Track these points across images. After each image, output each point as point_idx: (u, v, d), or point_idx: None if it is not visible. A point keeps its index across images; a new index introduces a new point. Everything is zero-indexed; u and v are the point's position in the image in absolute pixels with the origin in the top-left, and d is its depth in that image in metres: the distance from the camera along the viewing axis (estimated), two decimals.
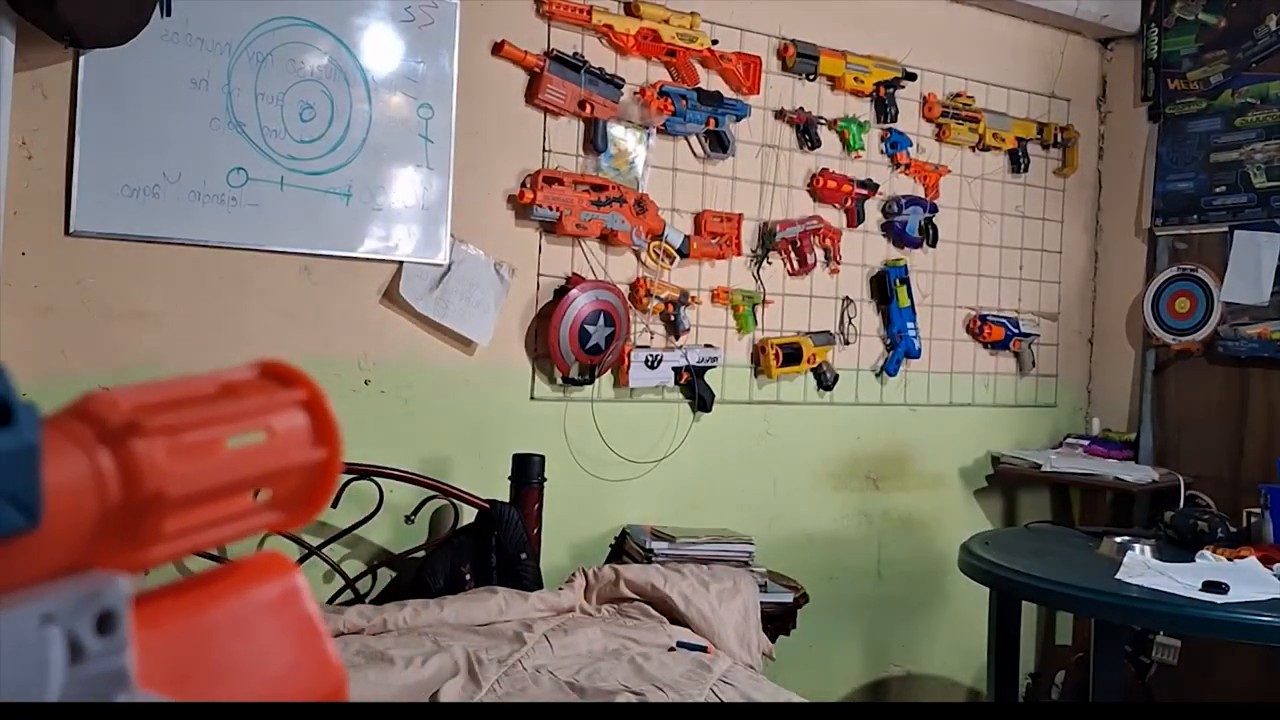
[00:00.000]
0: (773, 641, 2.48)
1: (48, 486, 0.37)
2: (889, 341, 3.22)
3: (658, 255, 2.77)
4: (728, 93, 2.89)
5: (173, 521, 0.42)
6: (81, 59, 2.11)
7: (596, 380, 2.70)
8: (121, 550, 0.41)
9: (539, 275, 2.65)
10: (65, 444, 0.39)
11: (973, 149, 3.39)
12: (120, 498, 0.40)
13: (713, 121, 2.83)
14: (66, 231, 2.12)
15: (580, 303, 2.61)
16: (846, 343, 3.15)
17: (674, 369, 2.80)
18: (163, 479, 0.41)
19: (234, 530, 0.46)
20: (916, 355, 3.24)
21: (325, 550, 2.35)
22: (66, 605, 0.40)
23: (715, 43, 2.82)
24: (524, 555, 2.40)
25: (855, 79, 3.08)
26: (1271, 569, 2.26)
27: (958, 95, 3.33)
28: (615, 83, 2.69)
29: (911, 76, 3.19)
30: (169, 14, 2.14)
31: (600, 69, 2.67)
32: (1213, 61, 3.36)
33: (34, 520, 0.37)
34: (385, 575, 2.45)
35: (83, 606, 0.40)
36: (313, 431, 0.48)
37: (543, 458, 2.52)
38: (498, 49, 2.57)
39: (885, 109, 3.15)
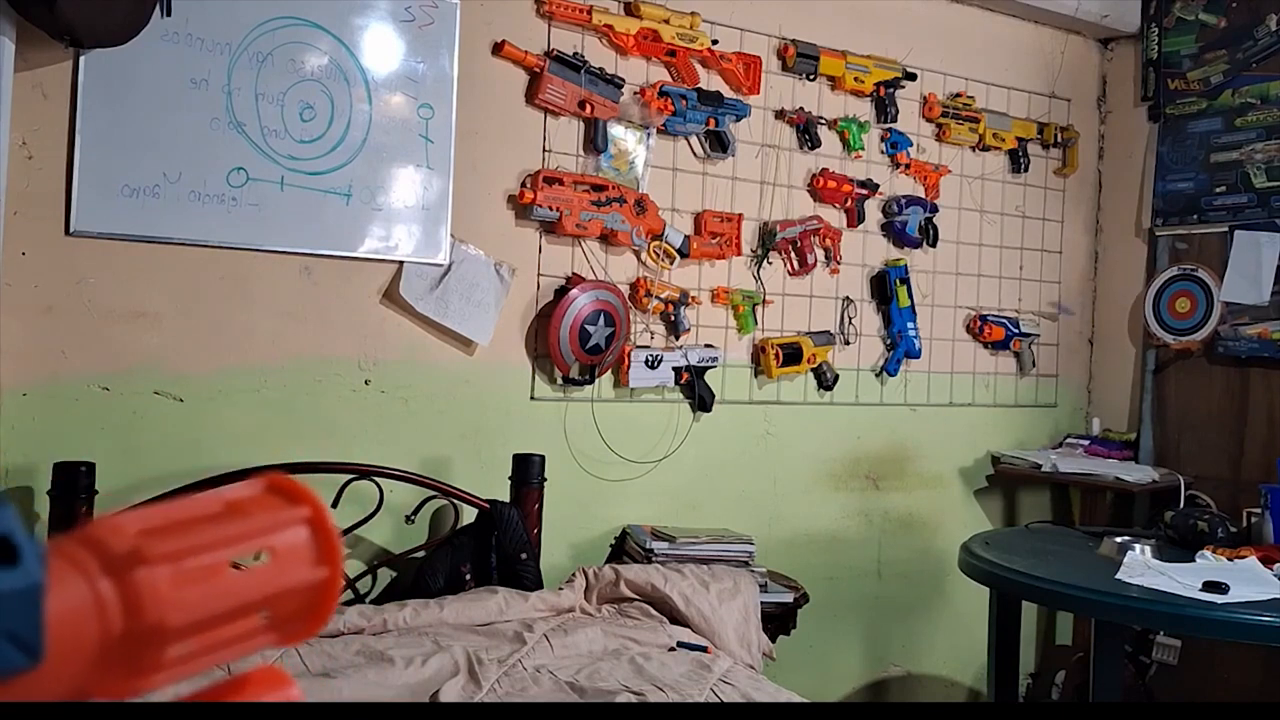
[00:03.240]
0: (773, 641, 2.48)
1: (50, 619, 0.37)
2: (889, 341, 3.22)
3: (658, 255, 2.77)
4: (728, 93, 2.89)
5: (175, 648, 0.41)
6: (81, 59, 2.11)
7: (597, 380, 2.70)
8: (123, 678, 0.41)
9: (539, 275, 2.65)
10: (69, 574, 0.39)
11: (973, 149, 3.39)
12: (122, 628, 0.39)
13: (713, 121, 2.83)
14: (66, 231, 2.12)
15: (580, 303, 2.61)
16: (847, 343, 3.15)
17: (674, 369, 2.80)
18: (165, 609, 0.40)
19: (234, 652, 0.45)
20: (916, 355, 3.24)
21: None
22: None
23: (715, 43, 2.82)
24: (524, 555, 2.40)
25: (855, 79, 3.08)
26: (1271, 569, 2.26)
27: (958, 95, 3.33)
28: (615, 83, 2.69)
29: (911, 76, 3.19)
30: (169, 14, 2.14)
31: (600, 69, 2.66)
32: (1213, 61, 3.36)
33: (36, 659, 0.37)
34: (385, 575, 2.45)
35: None
36: (314, 549, 0.47)
37: (543, 458, 2.52)
38: (498, 49, 2.57)
39: (885, 109, 3.15)
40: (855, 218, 3.12)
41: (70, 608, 0.38)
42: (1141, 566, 2.29)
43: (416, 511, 2.41)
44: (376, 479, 2.35)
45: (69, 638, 0.38)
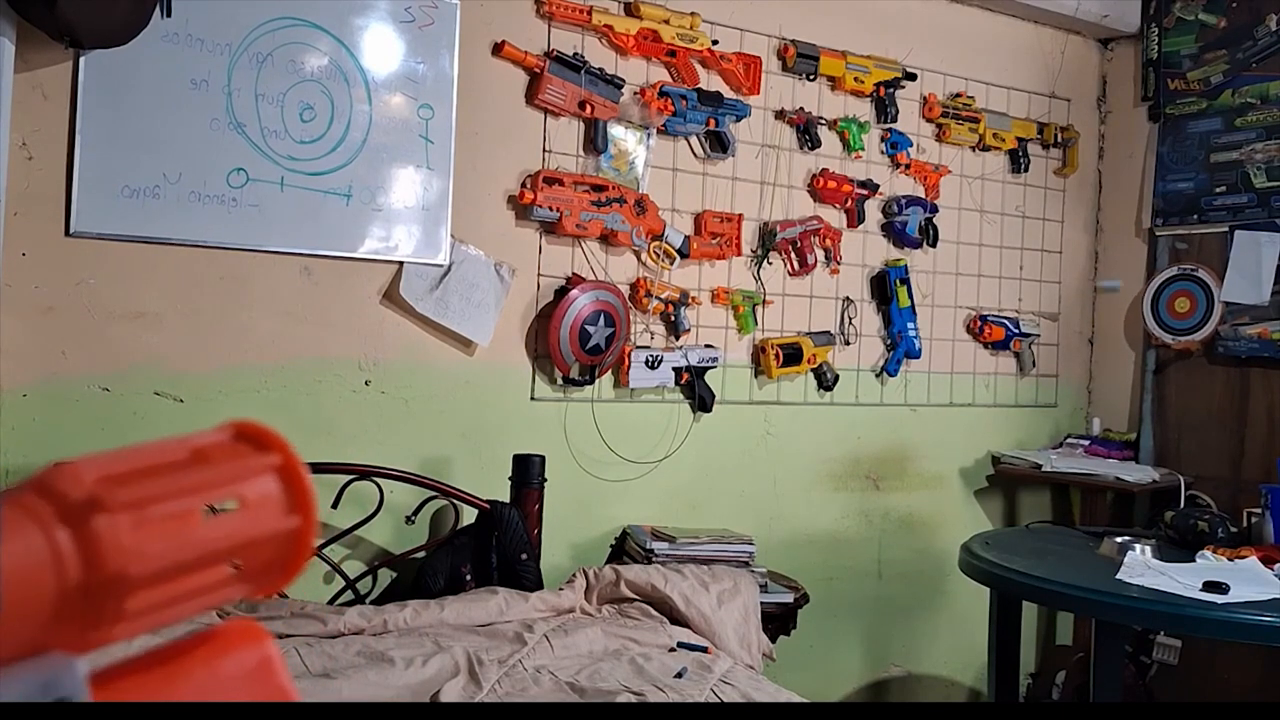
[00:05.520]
0: (773, 641, 2.48)
1: (3, 571, 0.36)
2: (889, 342, 3.22)
3: (658, 255, 2.77)
4: (728, 93, 2.89)
5: (137, 599, 0.40)
6: (81, 59, 2.11)
7: (597, 380, 2.70)
8: (82, 630, 0.39)
9: (539, 275, 2.65)
10: (23, 523, 0.37)
11: (973, 149, 3.39)
12: (80, 578, 0.38)
13: (713, 122, 2.83)
14: (66, 232, 2.12)
15: (580, 303, 2.61)
16: (847, 343, 3.15)
17: (674, 369, 2.80)
18: (125, 558, 0.39)
19: (202, 603, 0.43)
20: (917, 355, 3.24)
21: (325, 550, 2.35)
22: (21, 694, 0.38)
23: (715, 43, 2.82)
24: (524, 556, 2.40)
25: (855, 79, 3.08)
26: (1272, 569, 2.26)
27: (958, 95, 3.33)
28: (615, 83, 2.69)
29: (911, 76, 3.19)
30: (169, 14, 2.14)
31: (600, 69, 2.66)
32: (1213, 61, 3.36)
33: None
34: (385, 576, 2.45)
35: (38, 695, 0.38)
36: (286, 498, 0.46)
37: (543, 458, 2.52)
38: (498, 49, 2.57)
39: (885, 109, 3.15)
40: (855, 218, 3.12)
41: (24, 558, 0.37)
42: (1141, 566, 2.29)
43: (417, 512, 2.41)
44: (377, 479, 2.35)
45: (23, 588, 0.37)
